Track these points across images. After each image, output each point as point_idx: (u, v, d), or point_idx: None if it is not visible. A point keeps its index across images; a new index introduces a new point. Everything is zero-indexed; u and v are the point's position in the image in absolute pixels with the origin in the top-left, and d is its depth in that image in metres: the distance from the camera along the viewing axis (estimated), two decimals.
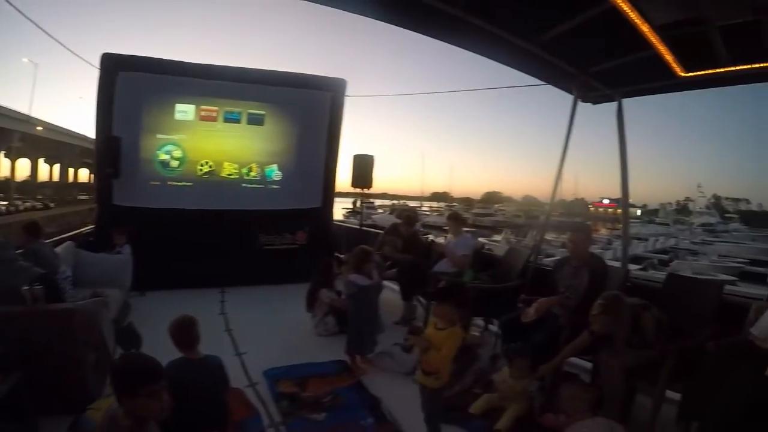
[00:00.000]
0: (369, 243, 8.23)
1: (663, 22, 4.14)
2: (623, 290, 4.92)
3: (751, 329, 3.82)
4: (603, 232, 53.41)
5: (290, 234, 9.30)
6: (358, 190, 9.54)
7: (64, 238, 7.34)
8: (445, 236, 7.54)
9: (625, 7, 3.97)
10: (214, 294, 7.87)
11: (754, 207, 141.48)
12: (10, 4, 6.91)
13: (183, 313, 3.53)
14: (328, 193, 9.73)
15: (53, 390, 3.77)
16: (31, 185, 63.27)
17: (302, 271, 7.04)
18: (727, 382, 3.44)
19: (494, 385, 4.37)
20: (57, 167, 66.89)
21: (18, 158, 55.16)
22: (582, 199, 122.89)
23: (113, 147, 7.61)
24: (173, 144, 8.41)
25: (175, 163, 8.45)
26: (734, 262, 36.44)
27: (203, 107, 8.51)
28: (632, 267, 24.85)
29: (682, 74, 5.18)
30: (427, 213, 72.48)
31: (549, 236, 34.98)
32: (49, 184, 68.36)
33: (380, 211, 66.44)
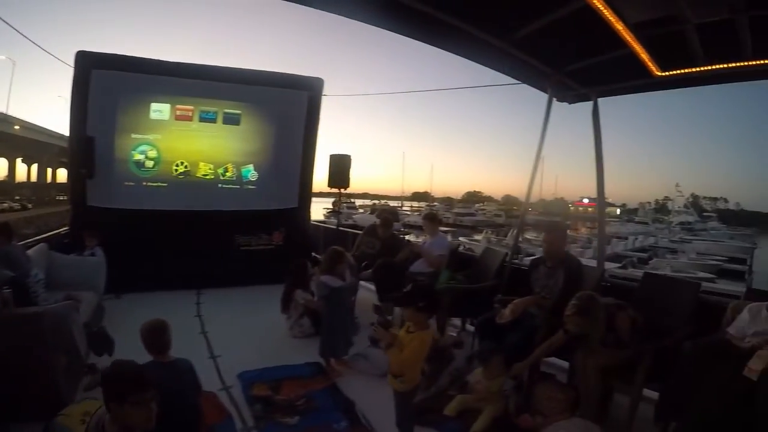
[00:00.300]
0: (347, 243, 8.24)
1: (638, 20, 4.13)
2: (599, 290, 4.93)
3: (728, 328, 3.84)
4: (583, 231, 53.75)
5: (267, 235, 9.22)
6: (335, 190, 9.47)
7: (38, 239, 7.23)
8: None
9: (599, 5, 3.94)
10: (190, 296, 7.78)
11: (731, 206, 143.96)
12: None
13: (155, 318, 3.48)
14: (305, 193, 9.66)
15: (23, 395, 3.71)
16: (9, 185, 62.46)
17: (279, 271, 6.94)
18: (704, 382, 3.42)
19: (469, 386, 4.34)
20: (35, 167, 66.26)
21: None
22: (562, 198, 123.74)
23: (87, 147, 7.49)
24: (148, 144, 8.30)
25: (150, 164, 8.34)
26: (712, 259, 37.03)
27: (179, 106, 8.41)
28: (612, 265, 25.14)
29: (658, 73, 5.18)
30: (408, 213, 72.59)
31: (529, 235, 35.21)
32: (27, 184, 67.60)
33: (361, 211, 66.51)
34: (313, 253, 9.03)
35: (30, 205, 49.73)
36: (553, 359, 4.95)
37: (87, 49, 7.68)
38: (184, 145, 8.57)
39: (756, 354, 3.29)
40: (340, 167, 9.05)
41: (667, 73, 5.20)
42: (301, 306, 6.21)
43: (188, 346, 5.09)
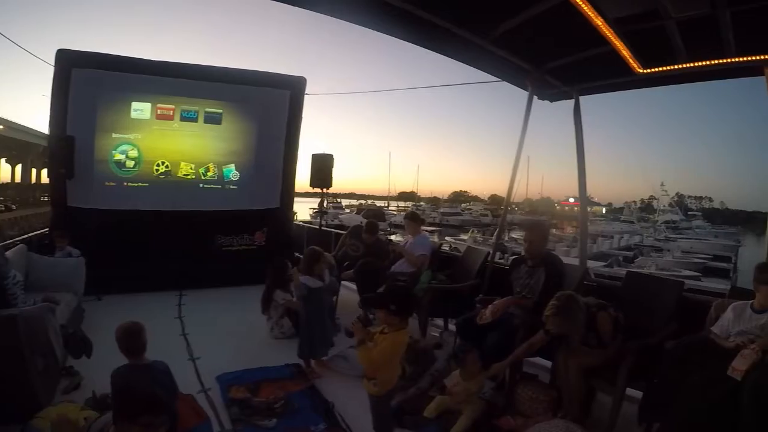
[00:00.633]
0: (331, 243, 8.20)
1: (618, 15, 4.09)
2: (582, 289, 4.91)
3: (712, 327, 3.83)
4: (569, 230, 53.92)
5: (249, 235, 9.18)
6: (318, 190, 9.36)
7: (17, 241, 7.14)
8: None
9: (578, 0, 3.91)
10: (171, 297, 7.71)
11: (716, 204, 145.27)
12: None
13: (130, 320, 3.44)
14: (287, 193, 9.61)
15: None
16: None
17: (261, 272, 6.82)
18: (688, 382, 3.40)
19: (448, 390, 4.30)
20: (19, 167, 65.68)
21: None
22: (548, 197, 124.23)
23: (66, 146, 7.41)
24: (129, 143, 8.24)
25: (130, 163, 8.27)
26: (697, 258, 37.42)
27: (159, 105, 8.35)
28: (597, 264, 25.23)
29: (640, 71, 5.17)
30: (395, 213, 72.52)
31: (516, 235, 35.32)
32: (11, 185, 66.98)
33: (347, 210, 66.42)
34: (296, 254, 8.94)
35: (14, 207, 49.26)
36: (536, 359, 4.93)
37: (67, 47, 7.56)
38: (165, 145, 8.51)
39: (740, 353, 3.28)
40: (322, 167, 8.96)
41: (648, 71, 5.19)
42: (281, 307, 6.16)
43: (168, 349, 5.07)
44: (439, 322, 6.72)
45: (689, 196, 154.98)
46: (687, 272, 28.14)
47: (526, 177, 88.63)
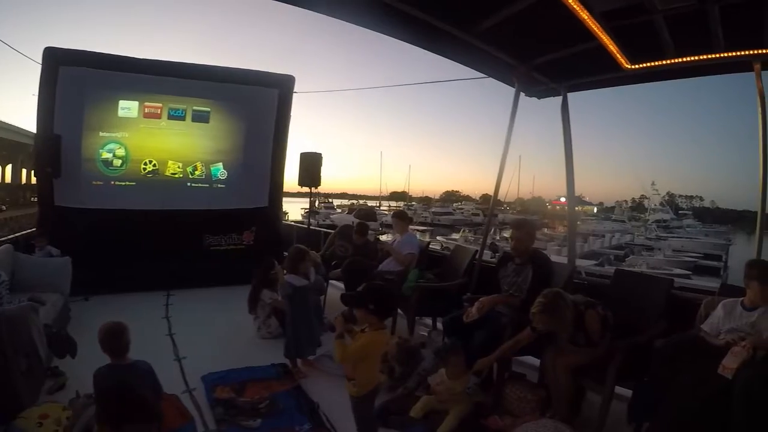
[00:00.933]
0: (320, 243, 8.17)
1: (604, 9, 4.06)
2: (570, 287, 4.89)
3: (702, 325, 3.81)
4: (560, 229, 54.03)
5: (237, 234, 9.13)
6: (307, 189, 9.35)
7: (3, 240, 7.08)
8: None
9: None
10: (159, 297, 7.65)
11: (707, 204, 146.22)
12: None
13: (112, 320, 3.41)
14: (276, 192, 9.57)
15: None
16: None
17: (249, 272, 6.76)
18: (678, 380, 3.39)
19: (431, 388, 4.26)
20: (9, 168, 65.35)
21: None
22: (540, 197, 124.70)
23: (53, 145, 7.35)
24: (116, 142, 8.18)
25: (117, 162, 8.22)
26: (688, 256, 37.71)
27: (147, 104, 8.30)
28: (589, 263, 25.32)
29: (628, 66, 5.15)
30: (386, 212, 72.57)
31: (507, 234, 35.37)
32: (2, 186, 66.71)
33: (339, 210, 66.42)
34: (285, 253, 8.86)
35: (5, 207, 49.02)
36: (524, 358, 4.90)
37: (55, 45, 7.51)
38: (153, 144, 8.46)
39: (730, 351, 3.25)
40: (310, 166, 8.96)
41: (636, 66, 5.16)
42: (268, 306, 6.12)
43: (154, 348, 5.05)
44: (428, 320, 6.70)
45: (680, 196, 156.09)
46: (678, 270, 28.32)
47: (518, 176, 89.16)
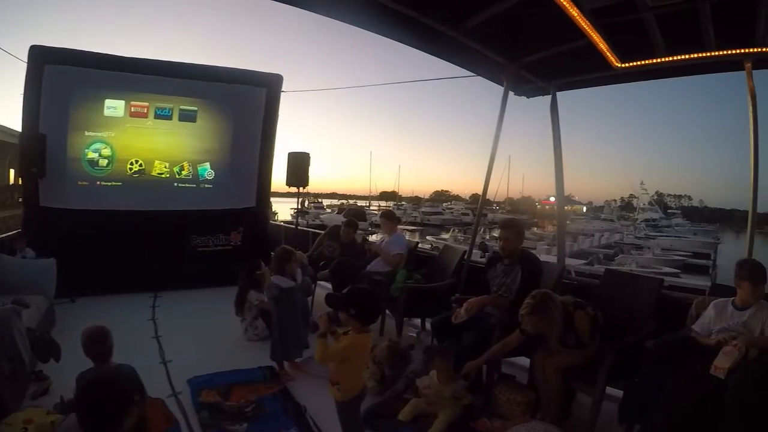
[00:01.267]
0: (308, 243, 8.12)
1: (594, 6, 4.02)
2: (559, 287, 4.88)
3: (693, 326, 3.82)
4: (550, 228, 54.25)
5: (224, 235, 9.06)
6: (295, 189, 9.21)
7: None
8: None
9: None
10: (145, 299, 7.57)
11: (695, 203, 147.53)
12: None
13: (95, 324, 3.38)
14: (263, 192, 9.53)
15: None
16: None
17: (237, 273, 6.69)
18: (669, 381, 3.36)
19: (419, 390, 4.22)
20: None
21: None
22: (529, 196, 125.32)
23: (38, 145, 7.25)
24: (102, 141, 8.09)
25: (103, 162, 8.13)
26: (677, 255, 37.97)
27: (133, 103, 8.21)
28: (578, 262, 25.42)
29: (618, 65, 5.13)
30: (376, 212, 72.71)
31: (497, 233, 35.56)
32: None
33: (328, 210, 66.41)
34: (273, 254, 8.82)
35: None
36: (514, 359, 4.86)
37: (40, 44, 7.43)
38: (139, 143, 8.38)
39: (722, 351, 3.24)
40: (298, 165, 8.83)
41: (627, 65, 5.15)
42: (255, 308, 6.06)
43: (140, 351, 5.05)
44: (417, 322, 6.66)
45: (669, 195, 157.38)
46: (667, 269, 28.56)
47: (507, 176, 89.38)
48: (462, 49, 5.33)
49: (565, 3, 3.96)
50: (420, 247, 8.31)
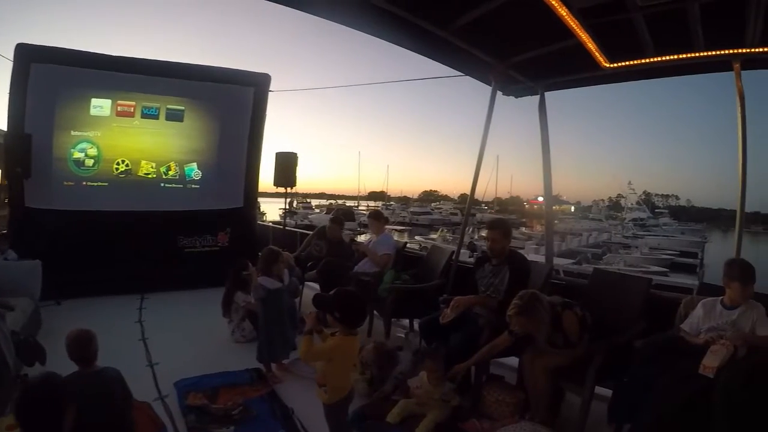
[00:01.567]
0: (296, 244, 8.09)
1: (583, 6, 4.02)
2: (547, 287, 4.88)
3: (682, 325, 3.82)
4: (538, 228, 54.46)
5: (211, 236, 9.01)
6: (282, 189, 9.19)
7: None
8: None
9: None
10: (132, 301, 7.49)
11: (682, 202, 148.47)
12: None
13: (79, 327, 3.31)
14: (251, 192, 9.48)
15: None
16: None
17: (224, 274, 6.63)
18: (658, 380, 3.34)
19: (410, 390, 4.20)
20: None
21: None
22: (518, 196, 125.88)
23: (23, 145, 7.17)
24: (88, 141, 8.01)
25: (89, 162, 8.05)
26: (665, 254, 38.28)
27: (120, 102, 8.13)
28: (566, 261, 25.53)
29: (606, 65, 5.14)
30: (365, 212, 72.74)
31: (485, 233, 35.60)
32: None
33: (317, 211, 66.34)
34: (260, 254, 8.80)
35: None
36: (503, 359, 4.84)
37: (27, 42, 7.36)
38: (126, 143, 8.30)
39: (710, 350, 3.24)
40: (286, 165, 8.81)
41: (615, 65, 5.15)
42: (242, 309, 6.03)
43: (127, 354, 5.00)
44: (405, 322, 6.65)
45: (656, 194, 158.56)
46: (655, 268, 28.79)
47: (496, 176, 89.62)
48: (450, 49, 5.33)
49: (553, 2, 3.96)
50: (408, 248, 8.29)
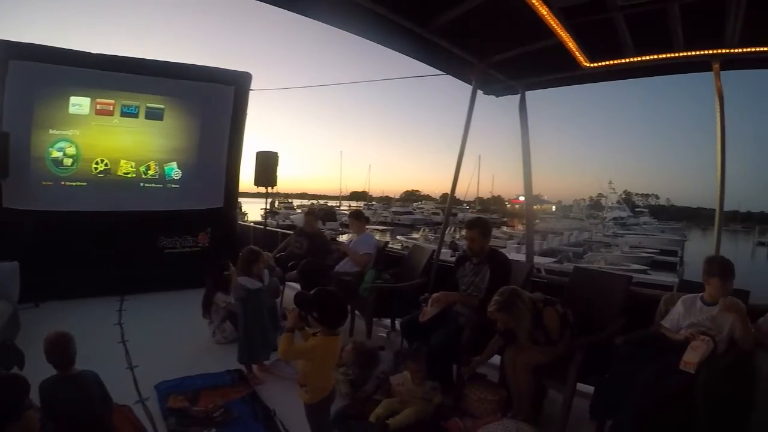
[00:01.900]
0: (277, 244, 8.04)
1: (564, 5, 4.03)
2: (528, 285, 4.92)
3: (662, 321, 3.88)
4: (519, 227, 54.72)
5: (192, 236, 8.92)
6: (263, 189, 9.07)
7: None
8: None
9: None
10: (112, 302, 7.40)
11: (662, 201, 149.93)
12: None
13: (57, 330, 3.28)
14: (231, 192, 9.38)
15: None
16: None
17: (205, 275, 6.56)
18: (639, 377, 3.39)
19: (392, 387, 4.20)
20: None
21: None
22: (499, 196, 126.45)
23: (0, 144, 7.00)
24: (66, 140, 7.87)
25: (68, 161, 7.90)
26: (645, 252, 38.68)
27: (99, 100, 7.99)
28: (548, 260, 25.68)
29: (586, 65, 5.16)
30: (347, 212, 72.78)
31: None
32: None
33: (299, 211, 66.21)
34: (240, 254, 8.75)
35: None
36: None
37: (6, 39, 7.23)
38: (105, 142, 8.16)
39: (690, 346, 3.31)
40: (266, 165, 8.71)
41: (595, 65, 5.18)
42: (222, 310, 5.98)
43: (106, 357, 4.98)
44: (387, 322, 6.65)
45: (636, 194, 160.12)
46: (635, 266, 29.07)
47: (477, 176, 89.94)
48: (431, 48, 5.34)
49: (534, 2, 3.96)
50: (390, 247, 8.29)
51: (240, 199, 10.57)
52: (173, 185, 8.78)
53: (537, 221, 61.42)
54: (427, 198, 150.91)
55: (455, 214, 58.77)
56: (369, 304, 5.89)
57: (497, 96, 6.62)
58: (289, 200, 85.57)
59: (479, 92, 6.27)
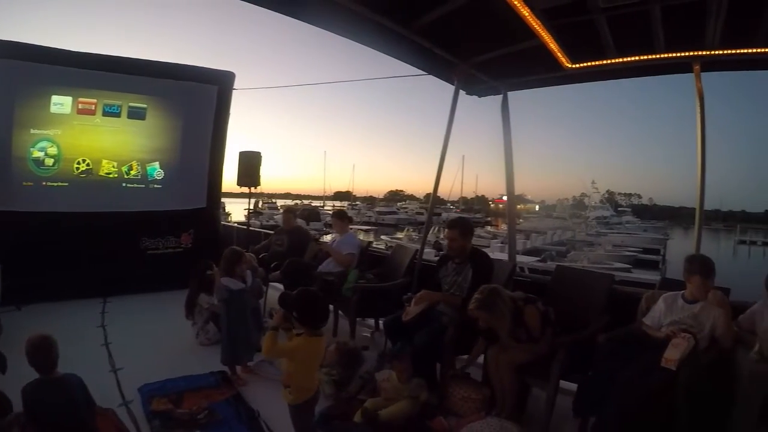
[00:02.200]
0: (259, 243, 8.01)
1: (545, 6, 4.05)
2: (511, 284, 4.94)
3: (644, 319, 3.91)
4: (503, 227, 54.91)
5: (175, 237, 8.86)
6: (246, 190, 9.03)
7: None
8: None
9: None
10: (95, 305, 7.34)
11: (645, 201, 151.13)
12: None
13: (39, 333, 3.25)
14: (214, 192, 9.33)
15: None
16: None
17: (188, 276, 6.50)
18: (621, 374, 3.41)
19: (378, 385, 4.21)
20: None
21: None
22: (483, 195, 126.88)
23: None
24: (48, 140, 7.77)
25: (49, 162, 7.81)
26: (628, 251, 38.95)
27: (81, 99, 7.90)
28: (531, 259, 25.83)
29: (568, 66, 5.19)
30: (330, 212, 72.74)
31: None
32: None
33: (282, 211, 66.19)
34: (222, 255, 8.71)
35: None
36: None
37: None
38: (87, 141, 8.08)
39: (671, 343, 3.33)
40: (249, 165, 8.67)
41: (577, 66, 5.21)
42: (206, 311, 5.94)
43: (89, 360, 4.94)
44: (370, 322, 6.67)
45: (619, 193, 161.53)
46: (618, 264, 29.27)
47: (461, 176, 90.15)
48: (413, 48, 5.35)
49: (516, 2, 3.98)
50: (374, 247, 8.29)
51: (224, 200, 10.52)
52: (156, 185, 8.71)
53: (521, 221, 61.74)
54: (412, 198, 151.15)
55: (439, 214, 58.93)
56: (352, 304, 5.87)
57: (480, 96, 6.65)
58: (273, 200, 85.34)
59: (462, 92, 6.30)
